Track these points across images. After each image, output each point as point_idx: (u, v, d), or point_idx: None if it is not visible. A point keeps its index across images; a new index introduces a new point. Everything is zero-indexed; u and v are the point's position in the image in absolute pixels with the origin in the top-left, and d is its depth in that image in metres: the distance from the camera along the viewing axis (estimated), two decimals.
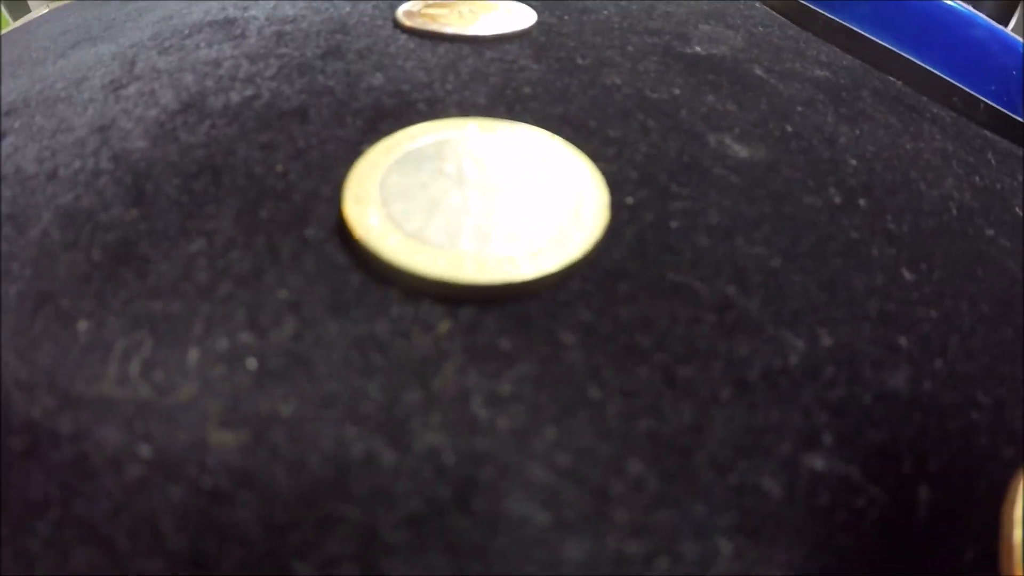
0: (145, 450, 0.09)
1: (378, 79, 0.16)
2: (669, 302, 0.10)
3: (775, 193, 0.13)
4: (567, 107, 0.15)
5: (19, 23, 0.26)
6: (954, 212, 0.15)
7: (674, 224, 0.12)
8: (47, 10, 0.27)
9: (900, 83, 0.22)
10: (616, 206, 0.12)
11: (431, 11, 0.20)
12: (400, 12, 0.20)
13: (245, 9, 0.22)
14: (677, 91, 0.17)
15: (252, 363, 0.10)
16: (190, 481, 0.09)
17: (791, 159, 0.15)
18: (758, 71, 0.20)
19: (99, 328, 0.10)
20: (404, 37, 0.19)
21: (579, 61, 0.18)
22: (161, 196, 0.12)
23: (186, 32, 0.20)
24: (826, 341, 0.11)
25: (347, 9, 0.21)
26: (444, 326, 0.09)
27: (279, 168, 0.12)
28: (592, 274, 0.11)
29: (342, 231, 0.11)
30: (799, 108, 0.18)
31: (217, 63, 0.17)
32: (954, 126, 0.21)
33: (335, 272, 0.10)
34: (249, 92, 0.16)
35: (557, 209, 0.11)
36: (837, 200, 0.14)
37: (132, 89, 0.17)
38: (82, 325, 0.11)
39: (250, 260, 0.11)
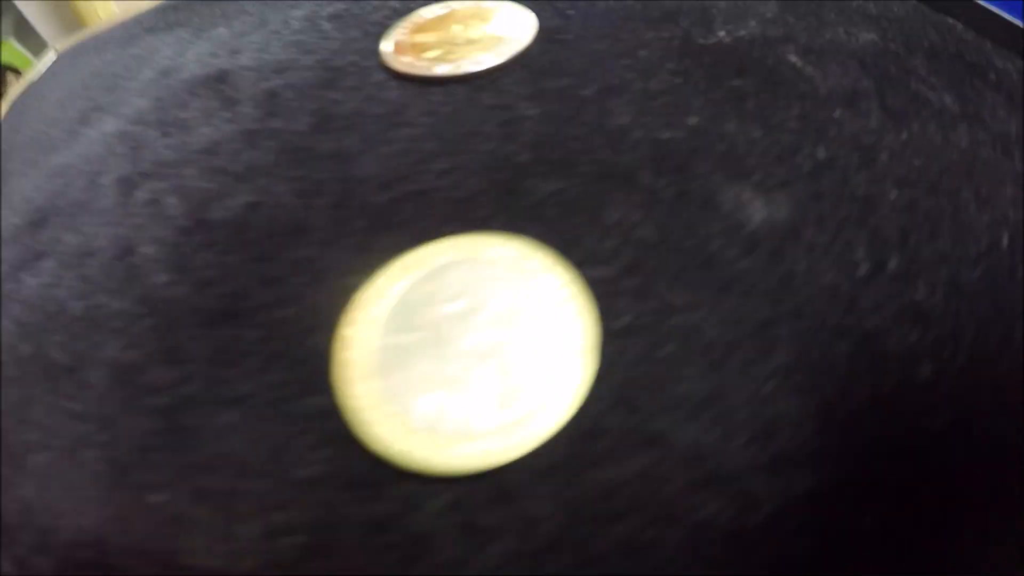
0: None
1: (368, 165, 0.15)
2: (649, 468, 0.11)
3: (789, 279, 0.13)
4: (566, 182, 0.14)
5: (26, 80, 0.27)
6: (1004, 245, 0.14)
7: (664, 352, 0.12)
8: (52, 60, 0.27)
9: (960, 26, 0.19)
10: (604, 337, 0.12)
11: (420, 39, 0.19)
12: (386, 49, 0.19)
13: (234, 56, 0.21)
14: (693, 121, 0.15)
15: (290, 540, 0.11)
16: None
17: (818, 211, 0.14)
18: (792, 57, 0.18)
19: (168, 503, 0.12)
20: (394, 86, 0.18)
21: (583, 92, 0.17)
22: (190, 352, 0.13)
23: (183, 97, 0.20)
24: None
25: (335, 47, 0.20)
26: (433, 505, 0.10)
27: (283, 315, 0.13)
28: (571, 435, 0.11)
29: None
30: (837, 114, 0.16)
31: (215, 150, 0.17)
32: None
33: (341, 449, 0.11)
34: (250, 199, 0.16)
35: (538, 367, 0.11)
36: (863, 271, 0.13)
37: (141, 193, 0.17)
38: (154, 498, 0.12)
39: (270, 439, 0.11)
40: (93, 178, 0.19)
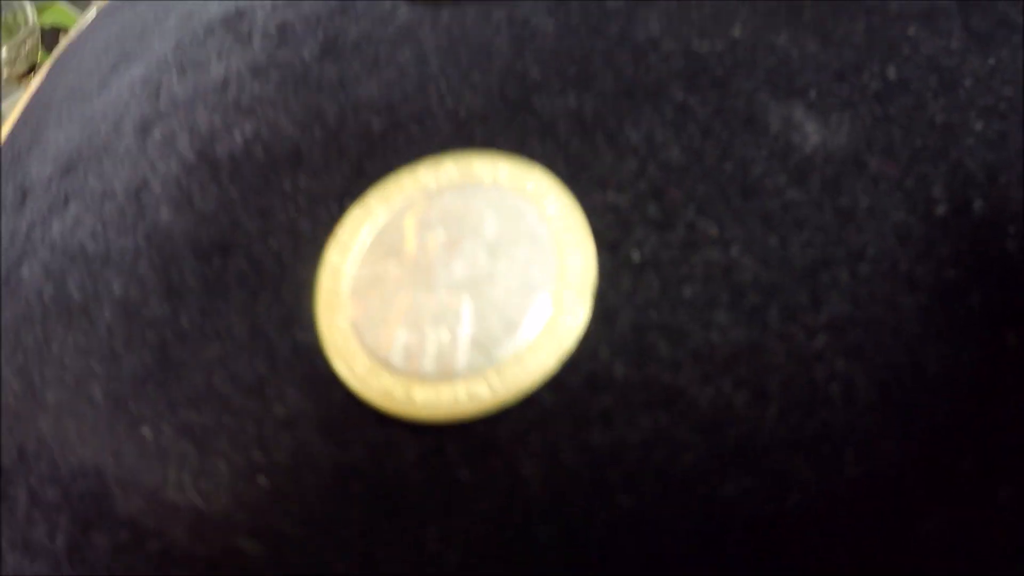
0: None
1: (371, 88, 0.14)
2: (663, 432, 0.09)
3: (848, 215, 0.10)
4: (580, 97, 0.12)
5: (71, 34, 0.27)
6: None
7: (688, 293, 0.10)
8: (93, 16, 0.28)
9: None
10: (614, 271, 0.10)
11: None
12: None
13: None
14: (737, 32, 0.13)
15: (262, 480, 0.10)
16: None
17: (886, 138, 0.11)
18: None
19: (157, 437, 0.12)
20: (405, 8, 0.16)
21: (608, 3, 0.14)
22: (184, 286, 0.13)
23: (201, 37, 0.20)
24: None
25: None
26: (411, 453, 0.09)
27: (273, 244, 0.12)
28: (568, 384, 0.09)
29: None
30: (911, 31, 0.13)
31: (225, 86, 0.17)
32: None
33: (320, 387, 0.10)
34: (249, 130, 0.15)
35: (531, 302, 0.09)
36: (942, 212, 0.10)
37: (157, 133, 0.17)
38: (146, 431, 0.12)
39: (252, 374, 0.11)
40: (116, 123, 0.19)
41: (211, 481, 0.11)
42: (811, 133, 0.11)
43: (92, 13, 0.28)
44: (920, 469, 0.08)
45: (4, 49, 0.30)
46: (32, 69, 0.32)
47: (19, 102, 0.28)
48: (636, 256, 0.10)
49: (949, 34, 0.13)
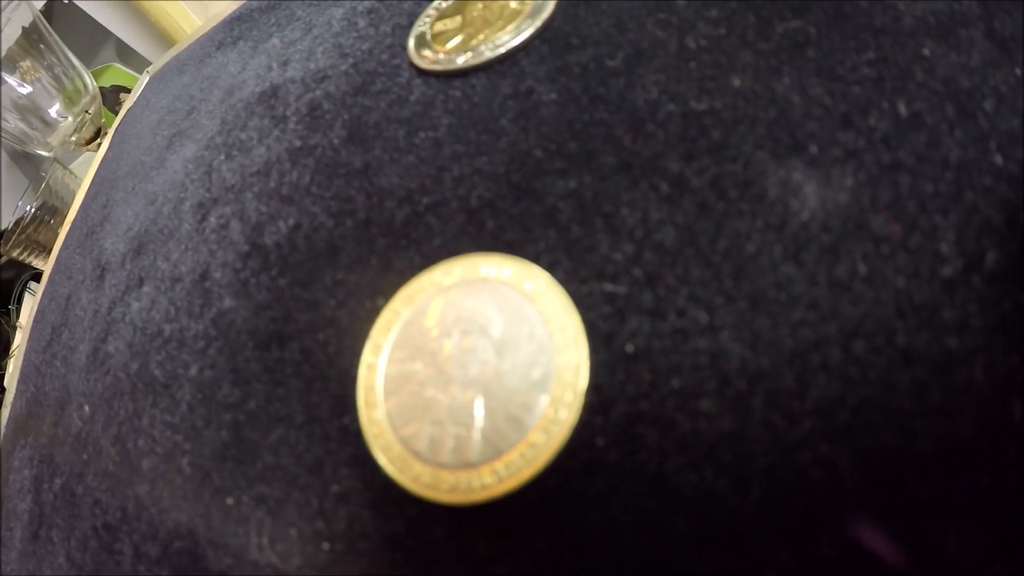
0: None
1: (391, 177, 0.16)
2: (650, 513, 0.10)
3: (843, 287, 0.10)
4: (581, 178, 0.13)
5: (125, 107, 0.30)
6: None
7: (677, 382, 0.11)
8: (144, 84, 0.30)
9: None
10: (609, 363, 0.11)
11: (441, 27, 0.18)
12: (412, 45, 0.18)
13: (284, 67, 0.22)
14: (737, 81, 0.13)
15: (326, 546, 0.12)
16: None
17: (892, 189, 0.11)
18: None
19: (239, 506, 0.14)
20: (418, 84, 0.17)
21: (609, 63, 0.15)
22: (250, 373, 0.15)
23: (243, 118, 0.21)
24: None
25: (368, 47, 0.20)
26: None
27: (320, 337, 0.14)
28: (567, 469, 0.10)
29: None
30: (926, 50, 0.12)
31: (267, 172, 0.19)
32: None
33: (366, 469, 0.12)
34: (292, 222, 0.17)
35: (533, 401, 0.11)
36: (949, 273, 0.10)
37: (212, 219, 0.19)
38: (229, 501, 0.14)
39: (311, 455, 0.13)
40: (177, 204, 0.21)
41: (285, 545, 0.13)
42: (810, 196, 0.11)
43: (144, 79, 0.31)
44: (903, 553, 0.09)
45: (70, 117, 0.33)
46: (98, 133, 0.35)
47: (89, 166, 0.30)
48: (629, 348, 0.11)
49: (970, 46, 0.12)
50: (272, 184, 0.18)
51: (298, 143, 0.19)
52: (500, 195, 0.14)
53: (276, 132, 0.20)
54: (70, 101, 0.34)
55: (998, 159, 0.10)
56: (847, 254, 0.10)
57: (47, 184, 0.35)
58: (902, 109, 0.11)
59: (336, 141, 0.18)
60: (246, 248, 0.17)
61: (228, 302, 0.16)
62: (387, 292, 0.13)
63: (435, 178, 0.15)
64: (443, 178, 0.15)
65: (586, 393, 0.10)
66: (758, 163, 0.12)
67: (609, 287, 0.12)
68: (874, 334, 0.10)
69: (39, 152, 0.34)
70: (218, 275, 0.17)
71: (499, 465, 0.10)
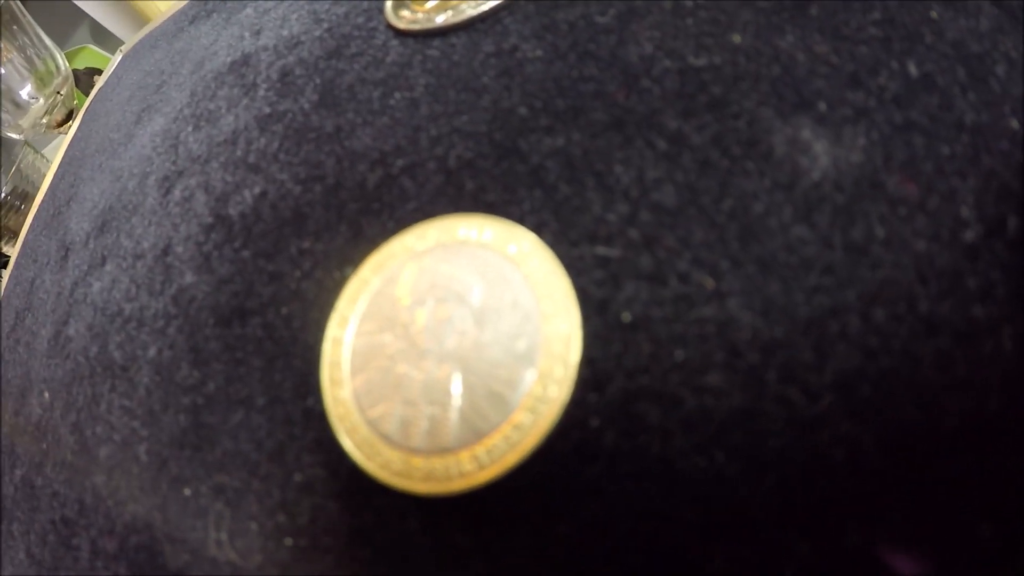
0: None
1: (364, 139, 0.14)
2: (653, 502, 0.09)
3: (861, 250, 0.09)
4: (569, 134, 0.12)
5: (100, 82, 0.29)
6: None
7: (682, 354, 0.09)
8: (117, 63, 0.29)
9: None
10: (604, 333, 0.10)
11: None
12: (390, 6, 0.17)
13: (256, 36, 0.21)
14: (737, 38, 0.12)
15: (288, 541, 0.11)
16: None
17: (907, 150, 0.10)
18: None
19: (197, 497, 0.12)
20: (395, 45, 0.16)
21: (599, 19, 0.14)
22: (209, 352, 0.14)
23: (212, 88, 0.20)
24: None
25: (343, 10, 0.19)
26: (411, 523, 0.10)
27: (284, 311, 0.13)
28: (557, 453, 0.09)
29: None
30: (934, 12, 0.11)
31: (234, 140, 0.17)
32: None
33: (331, 456, 0.11)
34: (258, 190, 0.15)
35: (518, 375, 0.09)
36: (971, 237, 0.09)
37: (177, 191, 0.18)
38: (187, 491, 0.13)
39: (273, 440, 0.11)
40: (142, 179, 0.20)
41: (245, 541, 0.11)
42: (820, 154, 0.10)
43: (117, 58, 0.29)
44: (931, 540, 0.08)
45: (41, 99, 0.32)
46: (70, 115, 0.33)
47: (60, 148, 0.29)
48: (626, 316, 0.10)
49: (977, 11, 0.11)
50: (239, 152, 0.17)
51: (267, 110, 0.17)
52: (481, 154, 0.13)
53: (245, 100, 0.19)
54: (42, 83, 0.32)
55: (1014, 124, 0.10)
56: (863, 216, 0.10)
57: (18, 168, 0.33)
58: (912, 70, 0.11)
59: (307, 106, 0.16)
60: (210, 220, 0.16)
61: (189, 277, 0.15)
62: (356, 260, 0.12)
63: (411, 139, 0.14)
64: (419, 138, 0.14)
65: (579, 367, 0.09)
66: (763, 120, 0.11)
67: (602, 250, 0.11)
68: (895, 301, 0.09)
69: (10, 135, 0.33)
70: (180, 249, 0.16)
71: (480, 450, 0.09)
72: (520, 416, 0.09)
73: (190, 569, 0.12)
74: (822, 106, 0.11)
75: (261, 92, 0.18)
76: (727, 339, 0.09)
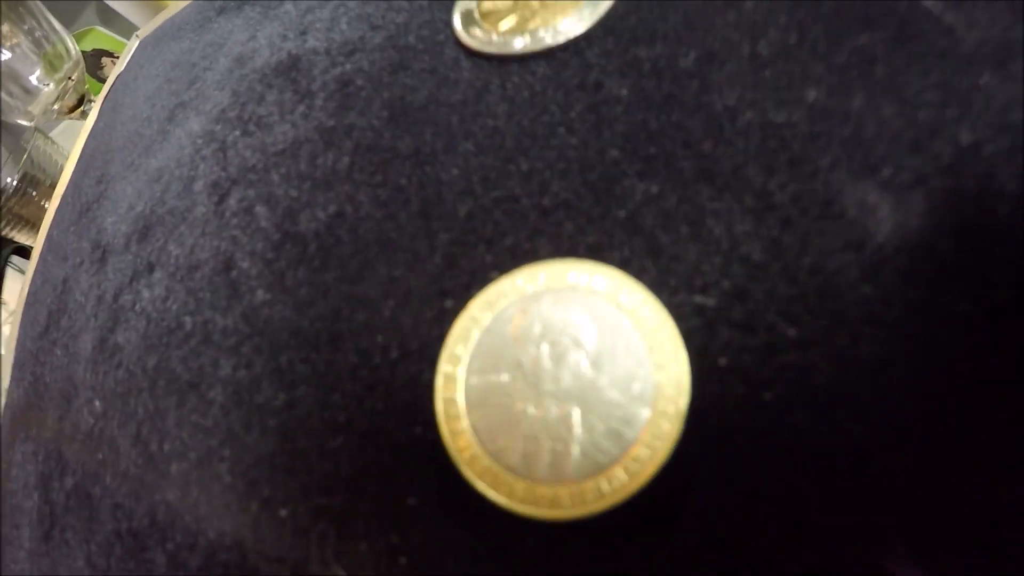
0: None
1: (449, 167, 0.15)
2: (747, 528, 0.10)
3: (915, 307, 0.10)
4: (662, 184, 0.13)
5: (114, 72, 0.27)
6: None
7: (769, 395, 0.10)
8: (135, 49, 0.28)
9: None
10: (702, 376, 0.11)
11: (491, 6, 0.17)
12: (459, 22, 0.17)
13: (302, 37, 0.20)
14: (812, 96, 0.13)
15: (403, 560, 0.11)
16: None
17: (956, 217, 0.11)
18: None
19: (294, 518, 0.13)
20: (468, 67, 0.16)
21: (680, 63, 0.15)
22: (295, 375, 0.14)
23: (259, 90, 0.20)
24: None
25: (403, 19, 0.18)
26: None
27: (379, 339, 0.13)
28: (666, 486, 0.10)
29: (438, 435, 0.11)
30: (984, 79, 0.12)
31: (295, 152, 0.17)
32: None
33: (447, 482, 0.11)
34: (332, 209, 0.15)
35: (635, 414, 0.10)
36: (1004, 296, 0.10)
37: (232, 202, 0.18)
38: (282, 513, 0.13)
39: (381, 463, 0.12)
40: (187, 183, 0.19)
41: (354, 559, 0.12)
42: (885, 218, 0.11)
43: (134, 44, 0.28)
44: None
45: (52, 84, 0.30)
46: (82, 100, 0.32)
47: (72, 136, 0.28)
48: (723, 361, 0.11)
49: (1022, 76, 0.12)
50: (303, 166, 0.17)
51: (331, 122, 0.17)
52: (577, 195, 0.13)
53: (302, 108, 0.18)
54: (51, 67, 0.31)
55: None
56: (918, 276, 0.11)
57: (29, 155, 0.32)
58: (964, 138, 0.12)
59: (376, 123, 0.16)
60: (277, 236, 0.16)
61: (261, 295, 0.15)
62: (456, 294, 0.13)
63: (500, 170, 0.14)
64: (509, 171, 0.14)
65: (689, 406, 0.10)
66: (836, 181, 0.12)
67: (700, 299, 0.11)
68: (942, 355, 0.10)
69: (19, 122, 0.32)
70: (245, 264, 0.16)
71: (602, 480, 0.10)
72: (638, 450, 0.10)
73: None
74: (887, 171, 0.12)
75: (319, 101, 0.18)
76: (805, 383, 0.10)
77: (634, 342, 0.11)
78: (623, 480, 0.10)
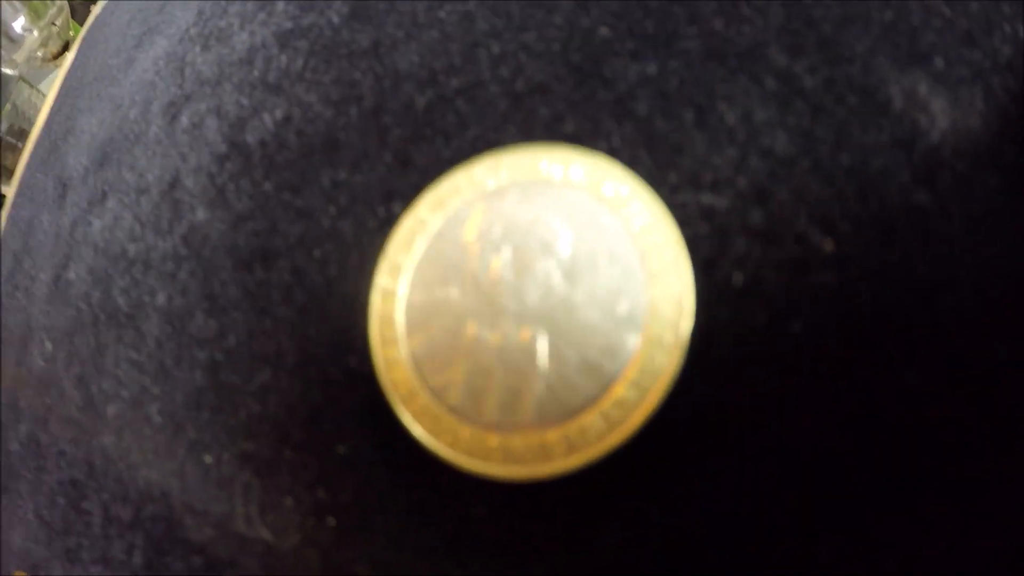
0: None
1: (410, 55, 0.12)
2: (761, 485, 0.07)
3: (977, 224, 0.08)
4: (663, 63, 0.10)
5: (96, 8, 0.26)
6: None
7: (798, 327, 0.08)
8: None
9: None
10: (711, 297, 0.08)
11: None
12: None
13: None
14: None
15: (331, 521, 0.09)
16: None
17: (1019, 116, 0.09)
18: None
19: (219, 465, 0.11)
20: None
21: None
22: (227, 300, 0.12)
23: (222, 5, 0.18)
24: None
25: None
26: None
27: (316, 253, 0.11)
28: (657, 436, 0.07)
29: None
30: None
31: (250, 59, 0.15)
32: None
33: (381, 426, 0.09)
34: (280, 111, 0.13)
35: (620, 342, 0.08)
36: None
37: (184, 118, 0.16)
38: (207, 458, 0.11)
39: (308, 405, 0.10)
40: (145, 106, 0.18)
41: (279, 517, 0.10)
42: (939, 113, 0.09)
43: None
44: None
45: (35, 31, 0.29)
46: (66, 47, 0.31)
47: (55, 83, 0.27)
48: (738, 279, 0.08)
49: None
50: (256, 73, 0.15)
51: (288, 24, 0.15)
52: (555, 77, 0.10)
53: (262, 16, 0.16)
54: (35, 14, 0.30)
55: None
56: (982, 188, 0.09)
57: (13, 104, 0.31)
58: (1022, 34, 0.10)
59: (336, 19, 0.14)
60: (224, 148, 0.14)
61: (201, 214, 0.13)
62: (406, 195, 0.10)
63: (467, 56, 0.12)
64: (477, 56, 0.11)
65: (691, 334, 0.07)
66: (878, 68, 0.10)
67: (708, 198, 0.09)
68: (1010, 282, 0.08)
69: (4, 71, 0.31)
70: (189, 182, 0.14)
71: (571, 429, 0.07)
72: (621, 390, 0.07)
73: (215, 545, 0.11)
74: (939, 62, 0.09)
75: (280, 6, 0.16)
76: (846, 311, 0.08)
77: (621, 247, 0.08)
78: (600, 429, 0.07)
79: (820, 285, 0.08)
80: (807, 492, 0.08)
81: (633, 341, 0.08)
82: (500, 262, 0.08)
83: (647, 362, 0.07)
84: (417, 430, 0.08)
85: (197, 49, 0.17)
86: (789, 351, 0.08)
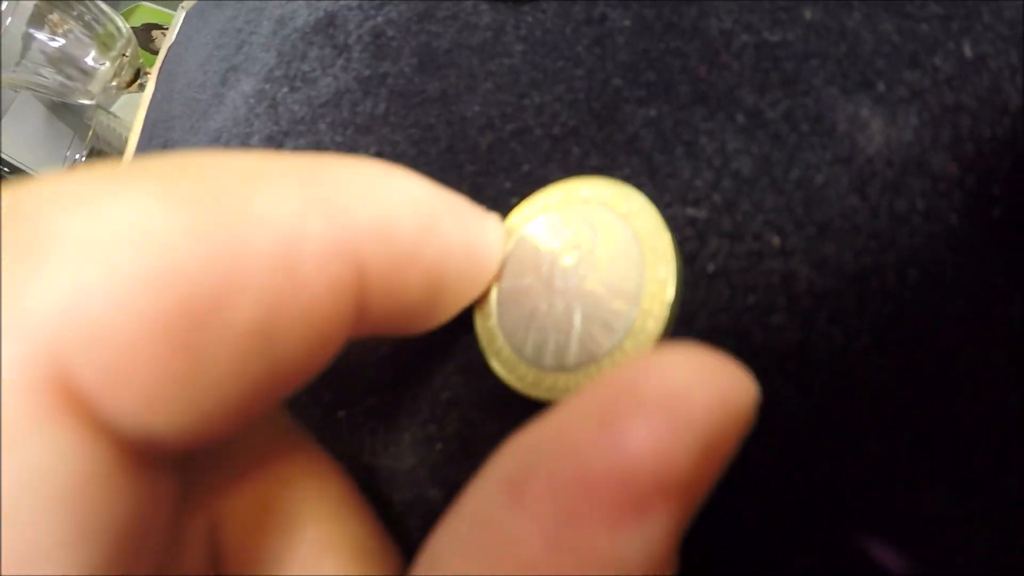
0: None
1: (472, 105, 0.16)
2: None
3: (902, 219, 0.11)
4: (660, 108, 0.14)
5: (165, 45, 0.30)
6: None
7: (752, 299, 0.11)
8: (182, 21, 0.30)
9: None
10: (692, 281, 0.12)
11: None
12: None
13: None
14: (809, 14, 0.14)
15: (439, 446, 0.13)
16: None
17: (953, 131, 0.11)
18: None
19: (351, 419, 0.15)
20: (486, 10, 0.17)
21: None
22: None
23: (300, 48, 0.22)
24: None
25: None
26: None
27: None
28: None
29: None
30: None
31: (337, 103, 0.19)
32: None
33: (474, 380, 0.13)
34: (373, 151, 0.17)
35: (625, 310, 0.11)
36: (998, 214, 0.10)
37: (287, 152, 0.20)
38: (341, 415, 0.15)
39: (419, 369, 0.14)
40: (244, 139, 0.21)
41: (398, 448, 0.14)
42: (876, 133, 0.12)
43: (180, 16, 0.30)
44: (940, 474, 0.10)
45: (107, 63, 0.33)
46: (138, 74, 0.35)
47: (132, 108, 0.31)
48: (711, 267, 0.12)
49: None
50: (345, 114, 0.19)
51: (367, 72, 0.19)
52: (583, 122, 0.14)
53: (340, 61, 0.20)
54: (105, 47, 0.34)
55: None
56: (907, 190, 0.11)
57: (94, 131, 0.35)
58: (967, 50, 0.12)
59: (407, 69, 0.18)
60: None
61: None
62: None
63: (516, 105, 0.15)
64: (524, 105, 0.15)
65: (671, 306, 0.11)
66: (828, 98, 0.12)
67: (691, 211, 0.12)
68: (927, 266, 0.11)
69: (82, 101, 0.35)
70: None
71: (592, 367, 0.11)
72: (626, 342, 0.11)
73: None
74: (881, 86, 0.12)
75: (356, 54, 0.20)
76: (789, 288, 0.11)
77: (630, 247, 0.12)
78: (609, 368, 0.11)
79: (769, 270, 0.11)
80: (759, 418, 0.11)
81: (634, 311, 0.12)
82: (557, 259, 0.12)
83: (642, 327, 0.11)
84: (502, 372, 0.12)
85: (285, 90, 0.21)
86: (745, 317, 0.11)
